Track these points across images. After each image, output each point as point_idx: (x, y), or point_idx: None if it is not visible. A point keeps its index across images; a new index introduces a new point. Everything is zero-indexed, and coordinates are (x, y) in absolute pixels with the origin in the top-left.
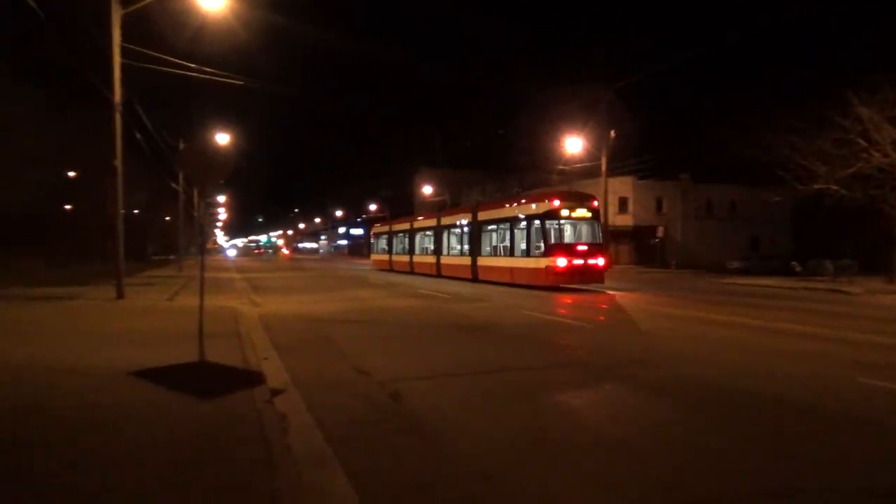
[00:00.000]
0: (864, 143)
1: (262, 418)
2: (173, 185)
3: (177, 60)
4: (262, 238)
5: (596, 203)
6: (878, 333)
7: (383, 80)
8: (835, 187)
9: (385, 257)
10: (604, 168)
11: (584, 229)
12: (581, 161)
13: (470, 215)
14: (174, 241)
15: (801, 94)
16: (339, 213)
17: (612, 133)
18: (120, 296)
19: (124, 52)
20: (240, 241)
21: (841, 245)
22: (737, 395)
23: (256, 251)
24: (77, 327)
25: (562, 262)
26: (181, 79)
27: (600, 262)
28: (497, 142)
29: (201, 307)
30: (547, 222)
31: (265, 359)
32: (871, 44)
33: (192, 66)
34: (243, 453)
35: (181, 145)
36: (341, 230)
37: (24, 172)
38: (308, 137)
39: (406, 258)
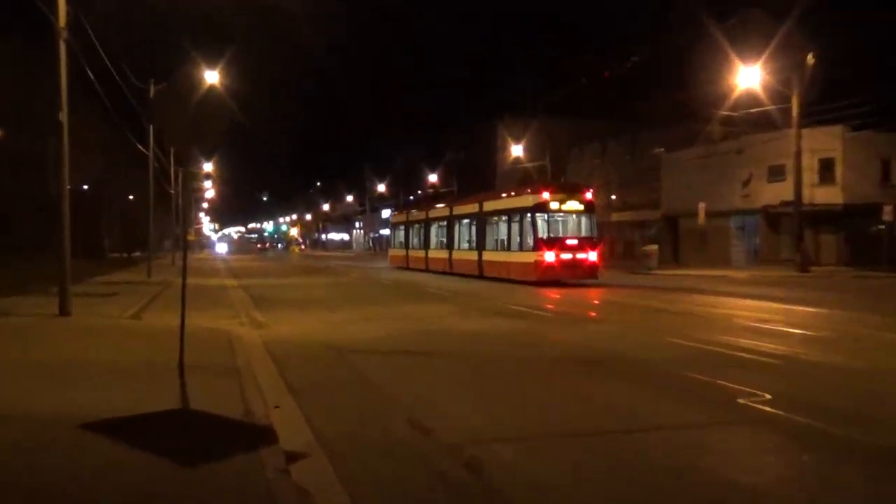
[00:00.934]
0: None
1: (274, 497)
2: (141, 147)
3: None
4: (268, 226)
5: (589, 195)
6: None
7: None
8: None
9: (401, 252)
10: (795, 113)
11: (576, 222)
12: (756, 105)
13: (477, 206)
14: (141, 230)
15: None
16: (381, 188)
17: (810, 57)
18: (64, 311)
19: None
20: (234, 231)
21: None
22: None
23: (259, 245)
24: (6, 356)
25: (550, 256)
26: None
27: (591, 256)
28: (624, 78)
29: (182, 328)
30: (536, 215)
31: (276, 407)
32: None
33: None
34: None
35: (153, 89)
36: (385, 213)
37: None
38: (340, 80)
39: (422, 253)
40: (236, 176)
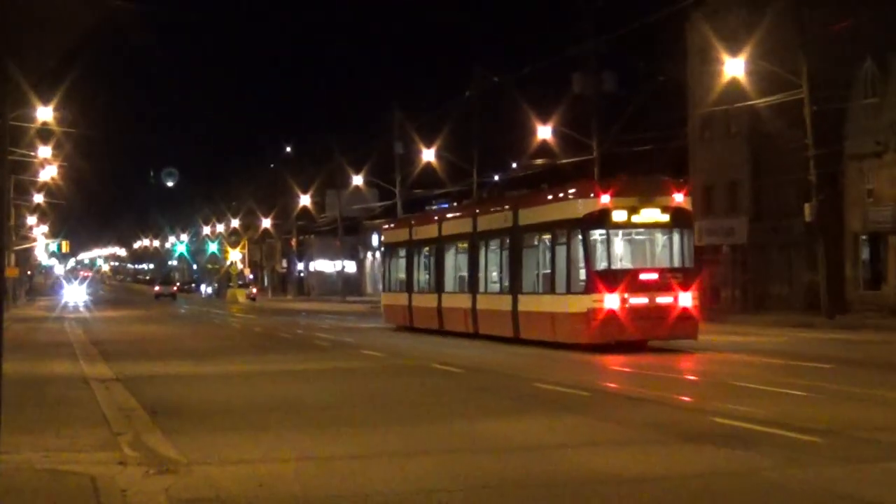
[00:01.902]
0: None
1: None
2: None
3: None
4: (176, 244)
5: (681, 197)
6: None
7: None
8: None
9: (402, 299)
10: None
11: (659, 244)
12: None
13: (510, 215)
14: None
15: None
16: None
17: None
18: None
19: None
20: (101, 257)
21: None
22: None
23: (157, 288)
24: None
25: (612, 301)
26: None
27: (684, 299)
28: None
29: None
30: (590, 233)
31: None
32: None
33: None
34: None
35: None
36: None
37: None
38: None
39: (433, 299)
40: (111, 139)
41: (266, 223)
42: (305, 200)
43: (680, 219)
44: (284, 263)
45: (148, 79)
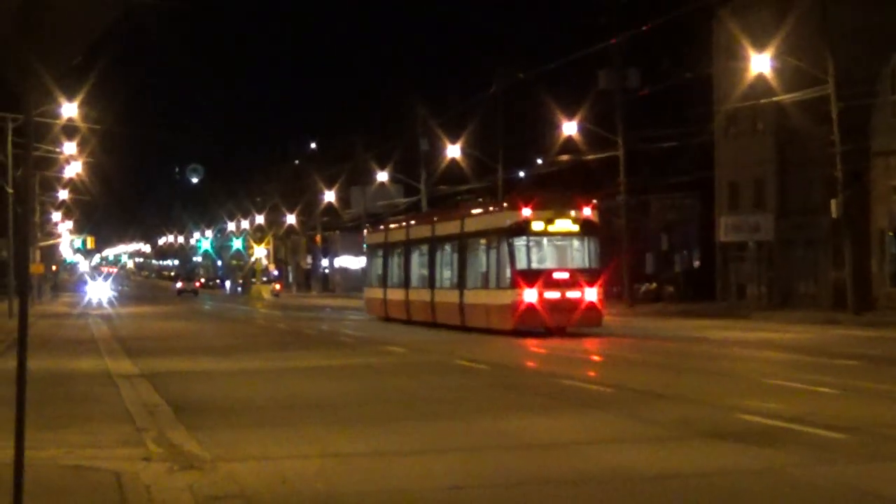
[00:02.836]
0: None
1: None
2: None
3: None
4: (201, 240)
5: (589, 210)
6: None
7: None
8: None
9: (378, 293)
10: None
11: (571, 249)
12: None
13: (459, 223)
14: None
15: None
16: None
17: None
18: None
19: None
20: (126, 253)
21: None
22: None
23: (180, 284)
24: None
25: (531, 295)
26: None
27: (590, 294)
28: None
29: (19, 471)
30: (514, 240)
31: None
32: None
33: None
34: None
35: None
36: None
37: None
38: None
39: (401, 294)
40: (136, 136)
41: (291, 219)
42: (330, 196)
43: (587, 228)
44: (309, 259)
45: (173, 75)
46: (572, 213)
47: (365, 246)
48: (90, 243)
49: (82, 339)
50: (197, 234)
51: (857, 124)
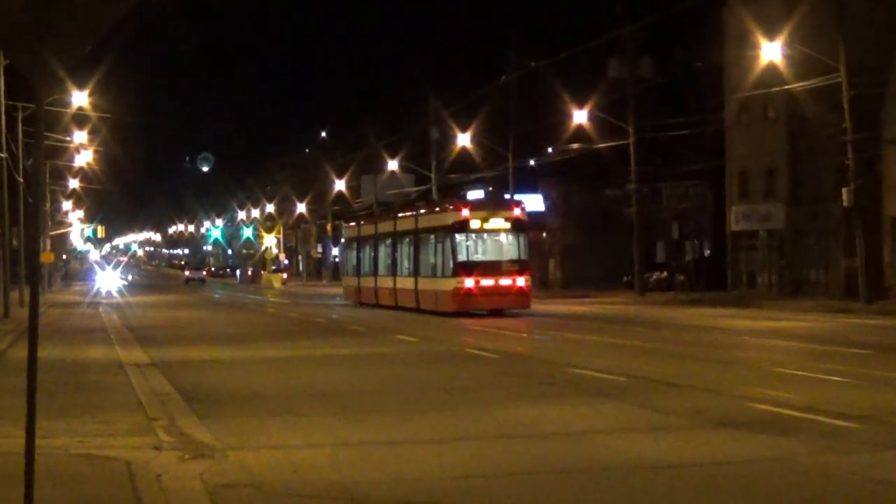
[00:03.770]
0: None
1: None
2: None
3: None
4: (211, 228)
5: (518, 211)
6: None
7: None
8: None
9: (354, 282)
10: None
11: (503, 243)
12: None
13: (414, 220)
14: None
15: None
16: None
17: None
18: None
19: None
20: (136, 242)
21: None
22: None
23: (188, 272)
24: None
25: (469, 283)
26: None
27: (520, 281)
28: None
29: (30, 458)
30: (456, 235)
31: None
32: None
33: None
34: None
35: None
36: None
37: None
38: None
39: (371, 282)
40: (147, 124)
41: (301, 208)
42: (341, 185)
43: (517, 226)
44: (320, 248)
45: (183, 64)
46: (504, 213)
47: (343, 240)
48: (101, 232)
49: (93, 327)
50: (207, 223)
51: (870, 112)
